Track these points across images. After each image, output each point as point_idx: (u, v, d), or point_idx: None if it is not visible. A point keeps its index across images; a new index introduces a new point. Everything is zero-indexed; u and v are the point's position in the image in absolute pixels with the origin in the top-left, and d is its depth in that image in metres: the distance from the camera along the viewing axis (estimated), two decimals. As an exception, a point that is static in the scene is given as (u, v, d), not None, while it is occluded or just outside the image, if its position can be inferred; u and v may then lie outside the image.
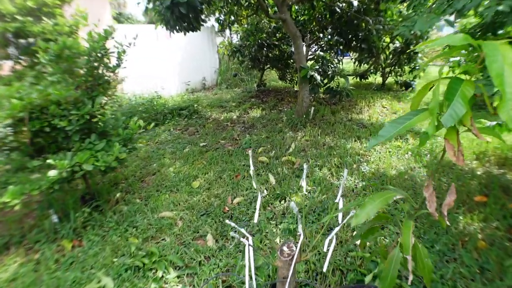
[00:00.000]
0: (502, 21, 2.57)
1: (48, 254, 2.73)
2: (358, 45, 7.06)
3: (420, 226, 2.75)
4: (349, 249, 2.49)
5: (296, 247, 1.70)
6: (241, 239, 1.54)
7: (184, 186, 3.73)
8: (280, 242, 2.63)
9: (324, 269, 1.55)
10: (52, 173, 2.69)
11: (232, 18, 7.67)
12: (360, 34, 6.79)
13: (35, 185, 2.72)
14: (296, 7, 7.62)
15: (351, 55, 10.20)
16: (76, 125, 2.93)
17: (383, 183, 3.53)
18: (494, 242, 2.54)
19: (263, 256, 2.20)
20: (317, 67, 6.27)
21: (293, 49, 7.36)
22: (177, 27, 5.61)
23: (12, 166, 3.02)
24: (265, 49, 8.39)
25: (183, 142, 5.35)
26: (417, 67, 8.31)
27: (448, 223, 1.10)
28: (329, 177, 3.74)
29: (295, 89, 9.26)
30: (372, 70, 8.74)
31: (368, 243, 2.56)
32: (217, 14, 7.58)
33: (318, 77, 5.90)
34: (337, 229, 1.58)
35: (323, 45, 8.04)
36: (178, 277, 2.36)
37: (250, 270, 1.48)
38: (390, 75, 9.09)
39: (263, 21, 8.31)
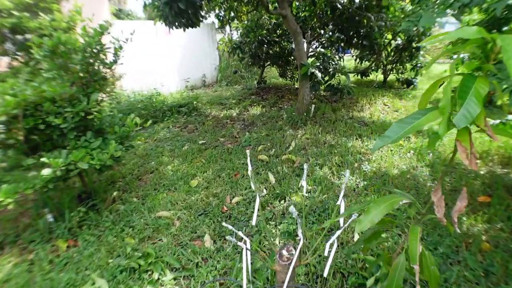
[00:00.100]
0: (509, 17, 2.49)
1: (42, 254, 2.67)
2: (360, 42, 6.97)
3: (423, 227, 2.69)
4: (351, 251, 2.43)
5: (295, 250, 1.64)
6: (238, 243, 1.48)
7: (182, 185, 3.67)
8: (279, 243, 2.57)
9: (325, 274, 1.49)
10: (46, 171, 2.62)
11: (232, 14, 7.57)
12: (362, 31, 6.70)
13: (29, 184, 2.65)
14: (297, 3, 7.52)
15: (352, 52, 10.11)
16: (71, 122, 2.86)
17: (385, 182, 3.46)
18: (499, 244, 2.48)
19: (261, 258, 2.13)
20: (318, 64, 6.17)
21: (293, 46, 7.27)
22: (176, 23, 5.52)
23: (7, 164, 2.95)
24: (265, 45, 8.30)
25: (182, 140, 5.28)
26: (418, 65, 8.21)
27: (458, 230, 1.03)
28: (330, 176, 3.68)
29: (296, 86, 9.17)
30: (373, 68, 8.65)
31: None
32: (217, 10, 7.48)
33: (319, 74, 5.82)
34: (338, 232, 1.52)
35: (323, 42, 7.94)
36: (174, 279, 2.30)
37: (248, 274, 1.42)
38: (391, 72, 9.00)
39: (263, 17, 8.21)
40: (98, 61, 3.18)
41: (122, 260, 2.49)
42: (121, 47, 3.38)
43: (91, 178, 3.77)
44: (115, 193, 3.51)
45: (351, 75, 8.40)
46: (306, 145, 4.67)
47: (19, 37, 4.15)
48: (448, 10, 2.15)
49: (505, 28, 2.77)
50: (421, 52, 8.06)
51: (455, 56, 4.96)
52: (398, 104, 6.83)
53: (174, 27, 5.64)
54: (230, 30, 12.05)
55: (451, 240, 2.52)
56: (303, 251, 2.12)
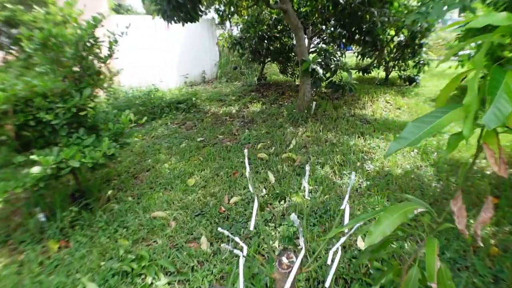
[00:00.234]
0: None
1: (32, 255, 2.57)
2: (362, 38, 6.83)
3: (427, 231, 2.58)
4: (353, 256, 2.32)
5: (296, 258, 1.53)
6: (235, 250, 1.37)
7: (179, 184, 3.56)
8: (278, 246, 2.46)
9: (327, 285, 1.38)
10: (36, 170, 2.51)
11: (232, 9, 7.41)
12: (364, 27, 6.55)
13: (19, 182, 2.55)
14: (298, -2, 7.37)
15: (353, 48, 9.95)
16: (63, 118, 2.75)
17: (389, 182, 3.35)
18: (508, 248, 2.37)
19: (260, 265, 2.03)
20: (320, 60, 6.03)
21: (294, 41, 7.13)
22: (175, 18, 5.39)
23: (-2, 161, 2.84)
24: (266, 41, 8.15)
25: (180, 137, 5.16)
26: (421, 62, 8.08)
27: (481, 244, 0.92)
28: (332, 176, 3.56)
29: (296, 83, 9.03)
30: (375, 65, 8.51)
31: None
32: (216, 5, 7.33)
33: (321, 71, 5.68)
34: (343, 239, 1.41)
35: (325, 37, 7.80)
36: (168, 283, 2.19)
37: (245, 283, 1.31)
38: (393, 69, 8.86)
39: (264, 12, 8.05)
40: (91, 55, 3.05)
41: (114, 263, 2.38)
42: (116, 41, 3.25)
43: (85, 176, 3.66)
44: (109, 192, 3.40)
45: (352, 72, 8.26)
46: (307, 143, 4.55)
47: (13, 31, 4.04)
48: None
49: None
50: (424, 49, 7.92)
51: (460, 53, 4.83)
52: (400, 101, 6.70)
53: (172, 22, 5.51)
54: (230, 26, 11.88)
55: (459, 244, 2.41)
56: (304, 255, 2.01)
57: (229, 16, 7.77)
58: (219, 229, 1.44)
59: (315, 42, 8.09)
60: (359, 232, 1.69)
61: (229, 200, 3.19)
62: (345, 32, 6.91)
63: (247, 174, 1.65)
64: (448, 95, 0.98)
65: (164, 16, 5.22)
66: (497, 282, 2.10)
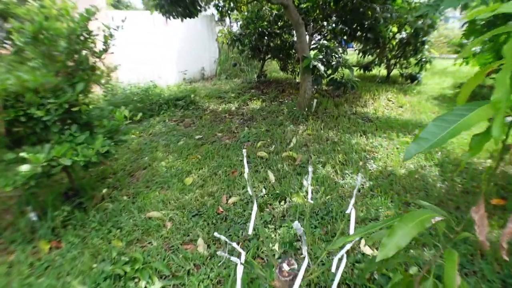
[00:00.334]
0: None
1: (22, 256, 2.47)
2: (364, 34, 6.71)
3: (433, 232, 2.48)
4: (356, 260, 2.22)
5: (297, 265, 1.44)
6: (232, 258, 1.27)
7: (176, 183, 3.45)
8: (278, 249, 2.36)
9: (332, 294, 1.29)
10: (25, 168, 2.40)
11: (232, 4, 7.29)
12: (366, 23, 6.44)
13: (9, 181, 2.44)
14: (299, -7, 7.24)
15: (354, 46, 9.83)
16: (55, 115, 2.64)
17: (392, 183, 3.25)
18: (517, 252, 2.27)
19: (259, 272, 1.93)
20: (321, 57, 5.91)
21: (295, 38, 7.01)
22: (173, 13, 5.28)
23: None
24: (266, 38, 8.02)
25: (178, 135, 5.05)
26: (423, 59, 7.96)
27: (506, 258, 0.82)
28: (333, 176, 3.46)
29: (297, 80, 8.91)
30: (376, 62, 8.39)
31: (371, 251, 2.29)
32: (216, 0, 7.20)
33: (322, 68, 5.56)
34: (348, 246, 1.31)
35: (326, 34, 7.68)
36: (163, 288, 2.10)
37: None
38: (395, 67, 8.75)
39: (264, 8, 7.92)
40: (85, 49, 2.94)
41: (106, 265, 2.28)
42: (111, 35, 3.14)
43: (79, 174, 3.55)
44: (104, 191, 3.30)
45: (354, 69, 8.14)
46: (307, 142, 4.45)
47: (7, 25, 3.92)
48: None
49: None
50: (426, 47, 7.81)
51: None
52: (402, 99, 6.60)
53: (171, 17, 5.39)
54: (230, 22, 11.74)
55: (466, 247, 2.32)
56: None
57: (229, 12, 7.65)
58: (216, 234, 1.34)
59: (316, 39, 7.96)
60: (368, 241, 1.59)
61: (227, 200, 3.09)
62: (346, 28, 6.80)
63: (246, 175, 1.54)
64: (469, 92, 0.88)
65: (162, 10, 5.11)
66: (506, 287, 2.01)
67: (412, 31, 7.05)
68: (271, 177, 3.44)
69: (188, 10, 5.21)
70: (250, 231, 1.46)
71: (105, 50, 3.15)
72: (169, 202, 3.10)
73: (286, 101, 6.85)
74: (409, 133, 4.61)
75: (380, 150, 4.09)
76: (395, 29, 7.34)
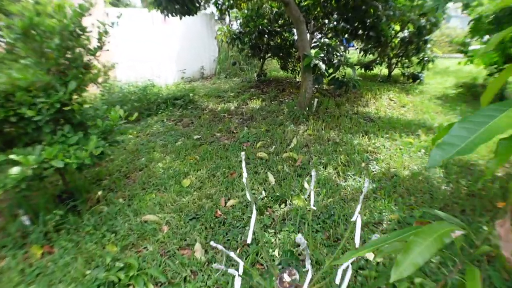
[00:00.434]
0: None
1: (13, 263, 2.37)
2: (365, 33, 6.60)
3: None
4: (360, 266, 2.13)
5: (298, 274, 1.35)
6: (229, 270, 1.17)
7: (173, 185, 3.35)
8: (278, 255, 2.27)
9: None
10: (15, 170, 2.30)
11: (231, 1, 7.17)
12: (368, 21, 6.33)
13: (-1, 184, 2.35)
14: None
15: (355, 45, 9.72)
16: (46, 114, 2.54)
17: (395, 185, 3.15)
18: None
19: (258, 274, 1.83)
20: (322, 55, 5.80)
21: (295, 36, 6.90)
22: (172, 10, 5.17)
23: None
24: (266, 36, 7.91)
25: (175, 135, 4.95)
26: (426, 58, 7.86)
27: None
28: (335, 177, 3.37)
29: (297, 79, 8.81)
30: (378, 61, 8.29)
31: (381, 259, 2.20)
32: (215, -2, 7.09)
33: (323, 66, 5.46)
34: (353, 257, 1.21)
35: (327, 32, 7.56)
36: (158, 296, 2.01)
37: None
38: (396, 66, 8.65)
39: (264, 6, 7.80)
40: (79, 46, 2.84)
41: (100, 272, 2.18)
42: (106, 32, 3.04)
43: (74, 176, 3.46)
44: (99, 193, 3.20)
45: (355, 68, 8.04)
46: (308, 142, 4.35)
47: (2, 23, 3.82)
48: None
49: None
50: (428, 46, 7.71)
51: (470, 48, 4.63)
52: (404, 99, 6.50)
53: (170, 15, 5.29)
54: (230, 21, 11.61)
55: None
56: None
57: (228, 9, 7.53)
58: (212, 243, 1.25)
59: (317, 37, 7.85)
60: (378, 255, 1.50)
61: (226, 203, 2.99)
62: (348, 26, 6.69)
63: (244, 180, 1.45)
64: (493, 93, 0.78)
65: (160, 8, 5.00)
66: (516, 296, 1.92)
67: (415, 29, 6.94)
68: (271, 178, 3.35)
69: (186, 8, 5.11)
70: (249, 240, 1.36)
71: (100, 48, 3.05)
72: (166, 205, 3.00)
73: (287, 100, 6.75)
74: (412, 134, 4.52)
75: (382, 151, 3.99)
76: (397, 28, 7.23)
